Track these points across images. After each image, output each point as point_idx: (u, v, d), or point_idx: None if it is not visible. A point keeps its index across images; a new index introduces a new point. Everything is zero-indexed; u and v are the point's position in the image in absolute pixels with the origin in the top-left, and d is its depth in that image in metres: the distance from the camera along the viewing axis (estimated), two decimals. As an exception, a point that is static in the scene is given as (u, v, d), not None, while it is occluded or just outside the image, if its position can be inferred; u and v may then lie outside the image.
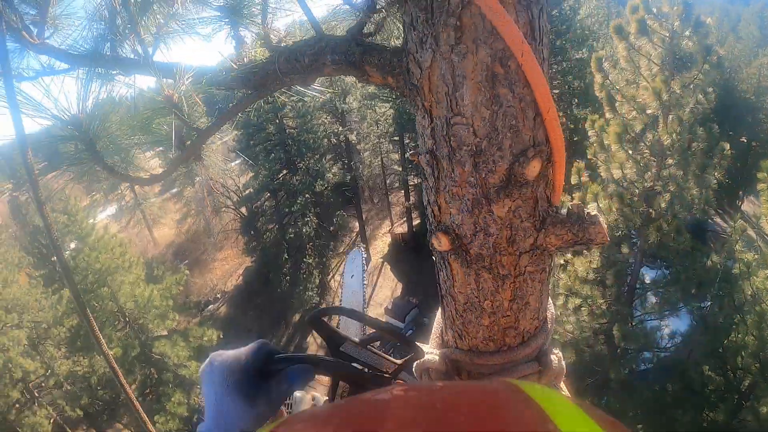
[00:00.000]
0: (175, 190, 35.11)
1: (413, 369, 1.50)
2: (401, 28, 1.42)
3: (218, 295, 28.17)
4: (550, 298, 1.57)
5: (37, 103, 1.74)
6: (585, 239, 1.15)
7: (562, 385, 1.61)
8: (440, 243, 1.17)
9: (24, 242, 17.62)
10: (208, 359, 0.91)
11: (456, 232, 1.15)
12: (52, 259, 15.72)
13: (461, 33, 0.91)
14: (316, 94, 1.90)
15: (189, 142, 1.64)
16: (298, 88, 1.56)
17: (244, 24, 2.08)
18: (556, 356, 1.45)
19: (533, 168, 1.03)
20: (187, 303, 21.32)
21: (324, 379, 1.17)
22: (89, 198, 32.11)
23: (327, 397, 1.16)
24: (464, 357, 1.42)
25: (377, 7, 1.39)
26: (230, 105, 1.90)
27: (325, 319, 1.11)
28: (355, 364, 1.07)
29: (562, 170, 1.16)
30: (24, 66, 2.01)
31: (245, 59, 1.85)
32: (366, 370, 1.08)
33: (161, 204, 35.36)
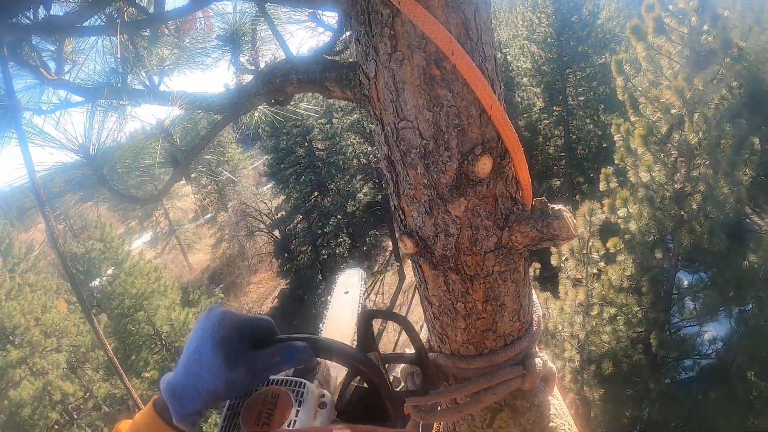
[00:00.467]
0: (209, 216, 35.95)
1: (400, 373, 1.50)
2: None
3: (254, 318, 28.48)
4: (536, 299, 1.55)
5: (48, 136, 1.85)
6: (550, 235, 1.15)
7: (556, 391, 1.58)
8: (406, 246, 1.19)
9: (61, 269, 18.27)
10: (208, 306, 0.85)
11: (419, 234, 1.17)
12: (91, 284, 16.28)
13: (396, 41, 0.95)
14: (305, 112, 1.96)
15: (180, 164, 1.73)
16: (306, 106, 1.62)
17: (242, 51, 2.18)
18: (541, 360, 1.43)
19: (484, 165, 1.05)
20: (223, 326, 21.59)
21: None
22: (125, 226, 33.19)
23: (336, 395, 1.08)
24: (447, 361, 1.42)
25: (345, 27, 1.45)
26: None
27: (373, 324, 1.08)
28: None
29: (523, 166, 1.17)
30: (44, 100, 2.16)
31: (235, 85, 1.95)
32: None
33: (195, 230, 36.16)
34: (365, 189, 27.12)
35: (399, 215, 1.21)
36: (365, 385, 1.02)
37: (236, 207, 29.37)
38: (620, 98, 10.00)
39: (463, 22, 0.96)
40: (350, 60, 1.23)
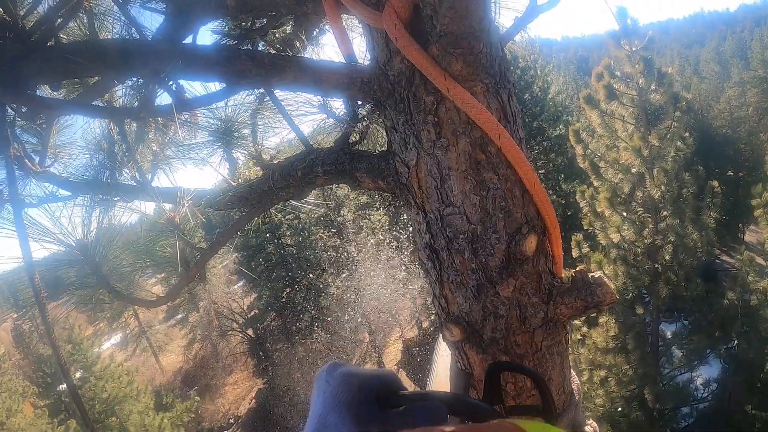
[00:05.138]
0: (179, 317, 34.74)
1: None
2: (384, 133, 1.50)
3: (231, 420, 27.08)
4: (572, 370, 1.53)
5: (44, 229, 1.76)
6: (594, 302, 1.15)
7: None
8: (452, 333, 1.16)
9: (28, 371, 17.13)
10: (326, 365, 0.80)
11: (466, 320, 1.14)
12: (57, 388, 15.21)
13: (440, 128, 0.97)
14: (312, 207, 1.96)
15: (192, 263, 1.67)
16: (293, 202, 1.60)
17: (236, 146, 2.18)
18: (591, 427, 1.40)
19: (530, 244, 1.05)
20: (200, 430, 20.34)
21: None
22: (93, 327, 31.70)
23: None
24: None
25: (359, 116, 1.48)
26: (228, 225, 1.93)
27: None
28: None
29: (559, 241, 1.19)
30: (27, 193, 2.08)
31: (239, 179, 1.93)
32: None
33: (166, 331, 34.77)
34: (337, 282, 26.89)
35: (441, 304, 1.19)
36: None
37: (207, 307, 28.61)
38: (580, 165, 10.42)
39: (501, 107, 1.00)
40: (379, 150, 1.24)
